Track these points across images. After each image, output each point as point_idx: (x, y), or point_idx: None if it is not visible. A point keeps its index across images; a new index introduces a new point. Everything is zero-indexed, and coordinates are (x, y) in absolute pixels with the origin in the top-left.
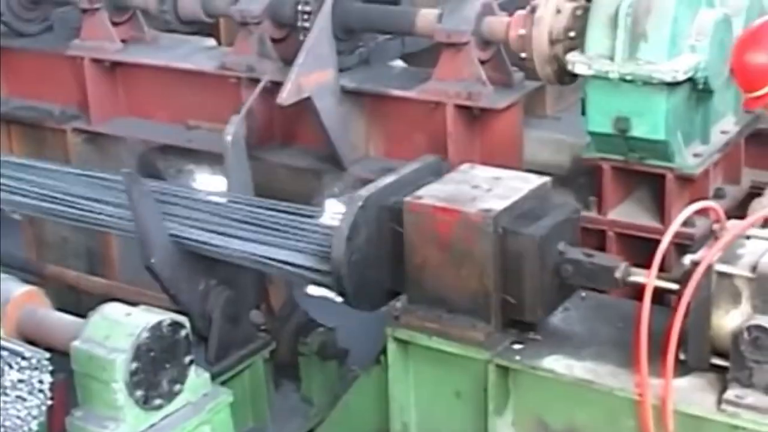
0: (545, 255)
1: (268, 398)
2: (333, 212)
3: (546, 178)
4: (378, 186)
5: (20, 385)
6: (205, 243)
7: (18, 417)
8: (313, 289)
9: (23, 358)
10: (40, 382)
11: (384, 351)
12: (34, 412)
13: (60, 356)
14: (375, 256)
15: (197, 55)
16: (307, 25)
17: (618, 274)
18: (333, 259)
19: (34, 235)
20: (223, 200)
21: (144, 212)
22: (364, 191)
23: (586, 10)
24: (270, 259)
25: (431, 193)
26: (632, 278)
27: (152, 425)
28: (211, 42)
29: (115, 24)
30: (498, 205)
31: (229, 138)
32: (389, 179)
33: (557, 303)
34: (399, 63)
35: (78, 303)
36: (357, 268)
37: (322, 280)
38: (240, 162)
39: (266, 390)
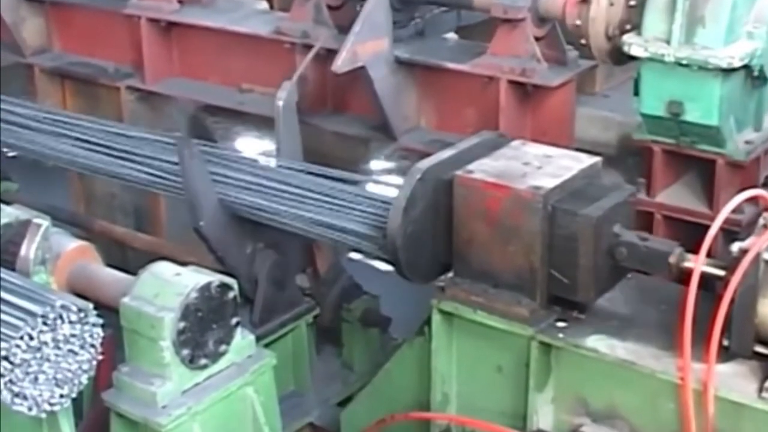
0: (600, 236)
1: (309, 362)
2: (379, 180)
3: (597, 158)
4: (436, 159)
5: (72, 339)
6: (252, 206)
7: (69, 370)
8: (357, 256)
9: (76, 312)
10: (92, 336)
11: (428, 322)
12: (85, 366)
13: (108, 311)
14: (430, 229)
15: (252, 18)
16: None
17: (672, 259)
18: (389, 230)
19: (83, 190)
20: (272, 164)
21: (194, 175)
22: (423, 164)
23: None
24: (318, 224)
25: (482, 168)
26: (687, 264)
27: (197, 384)
28: (264, 5)
29: None
30: (548, 183)
31: (280, 103)
32: (448, 153)
33: (609, 285)
34: (452, 36)
35: (124, 259)
36: (412, 240)
37: (368, 247)
38: (290, 127)
39: (308, 354)
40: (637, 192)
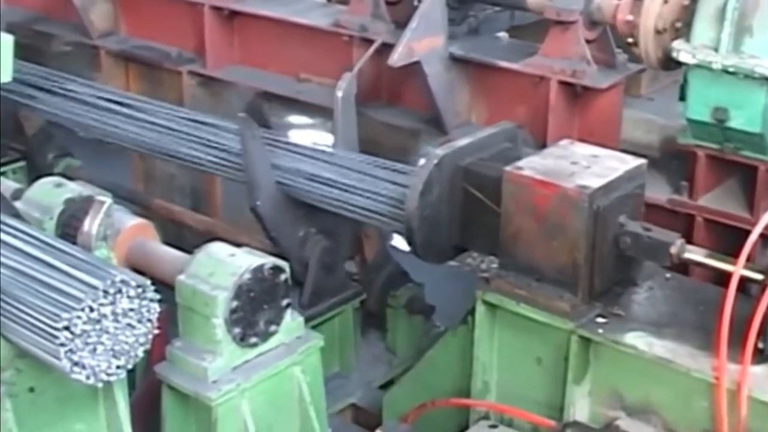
0: (606, 226)
1: (354, 345)
2: None
3: (642, 161)
4: (454, 146)
5: (130, 313)
6: (305, 188)
7: (126, 343)
8: (403, 245)
9: (135, 287)
10: (149, 311)
11: (472, 312)
12: (142, 339)
13: (162, 287)
14: (446, 213)
15: (312, 11)
16: None
17: (673, 250)
18: (405, 212)
19: (143, 170)
20: (325, 150)
21: (254, 157)
22: (440, 150)
23: (693, 1)
24: (359, 207)
25: (531, 166)
26: (687, 255)
27: (246, 361)
28: None
29: None
30: (595, 182)
31: (339, 94)
32: (465, 141)
33: (615, 275)
34: (504, 35)
35: (180, 237)
36: (427, 222)
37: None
38: (348, 117)
39: (354, 337)
40: (674, 193)
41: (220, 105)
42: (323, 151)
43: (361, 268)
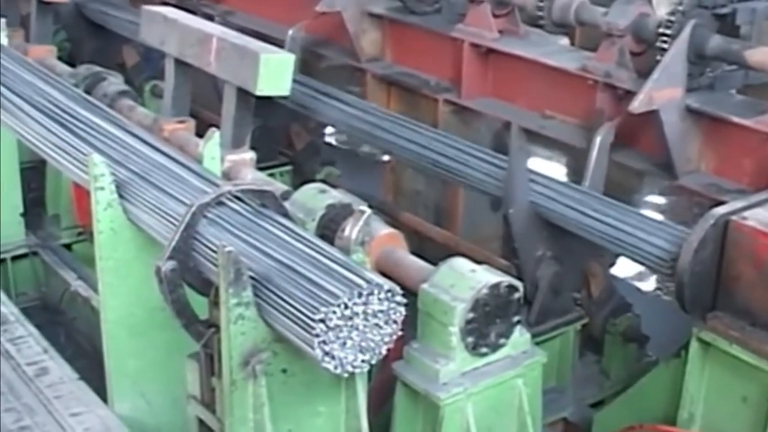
0: None
1: (572, 364)
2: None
3: None
4: (729, 209)
5: (379, 314)
6: (557, 211)
7: (372, 341)
8: (623, 275)
9: (386, 291)
10: (395, 314)
11: (686, 347)
12: (386, 338)
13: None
14: (714, 270)
15: (561, 54)
16: (665, 45)
17: None
18: (679, 268)
19: (394, 184)
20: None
21: (517, 168)
22: (716, 211)
23: None
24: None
25: (756, 217)
26: None
27: (475, 369)
28: (566, 41)
29: (495, 16)
30: None
31: (598, 138)
32: (739, 204)
33: None
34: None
35: (421, 248)
36: (697, 278)
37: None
38: (600, 162)
39: (572, 357)
40: None
41: (469, 132)
42: (575, 188)
43: (587, 300)
